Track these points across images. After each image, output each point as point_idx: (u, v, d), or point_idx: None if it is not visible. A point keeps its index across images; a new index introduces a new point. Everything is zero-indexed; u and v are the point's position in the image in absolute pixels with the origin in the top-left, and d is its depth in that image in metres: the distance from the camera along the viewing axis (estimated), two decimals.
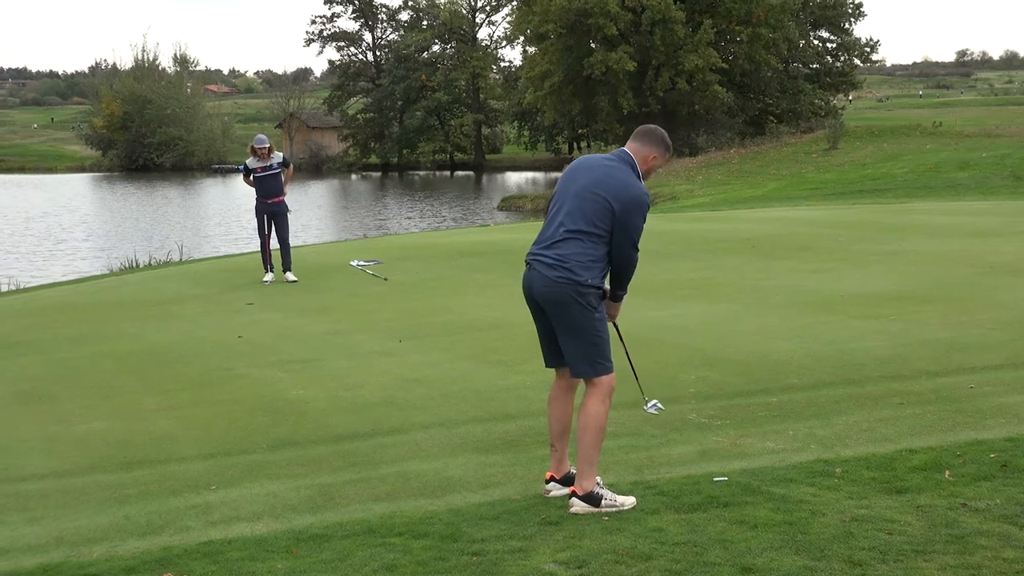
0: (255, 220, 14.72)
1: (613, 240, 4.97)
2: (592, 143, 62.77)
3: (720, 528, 4.63)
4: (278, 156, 14.38)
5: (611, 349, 5.09)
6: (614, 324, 5.33)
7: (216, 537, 4.91)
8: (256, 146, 14.19)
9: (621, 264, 5.04)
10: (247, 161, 14.40)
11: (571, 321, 4.98)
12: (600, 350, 5.03)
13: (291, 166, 14.76)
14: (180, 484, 5.81)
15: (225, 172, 76.26)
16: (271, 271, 14.33)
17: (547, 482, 5.28)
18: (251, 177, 14.34)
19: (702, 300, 11.13)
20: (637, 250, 5.06)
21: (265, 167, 14.22)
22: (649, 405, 5.63)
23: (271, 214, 14.34)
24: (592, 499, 4.96)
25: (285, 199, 14.48)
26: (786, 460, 5.61)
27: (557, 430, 5.25)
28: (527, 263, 5.15)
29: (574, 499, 4.99)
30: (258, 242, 14.78)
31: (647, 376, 7.22)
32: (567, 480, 5.19)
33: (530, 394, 7.24)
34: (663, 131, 5.28)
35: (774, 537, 4.49)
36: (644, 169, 5.13)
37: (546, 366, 5.34)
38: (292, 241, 15.07)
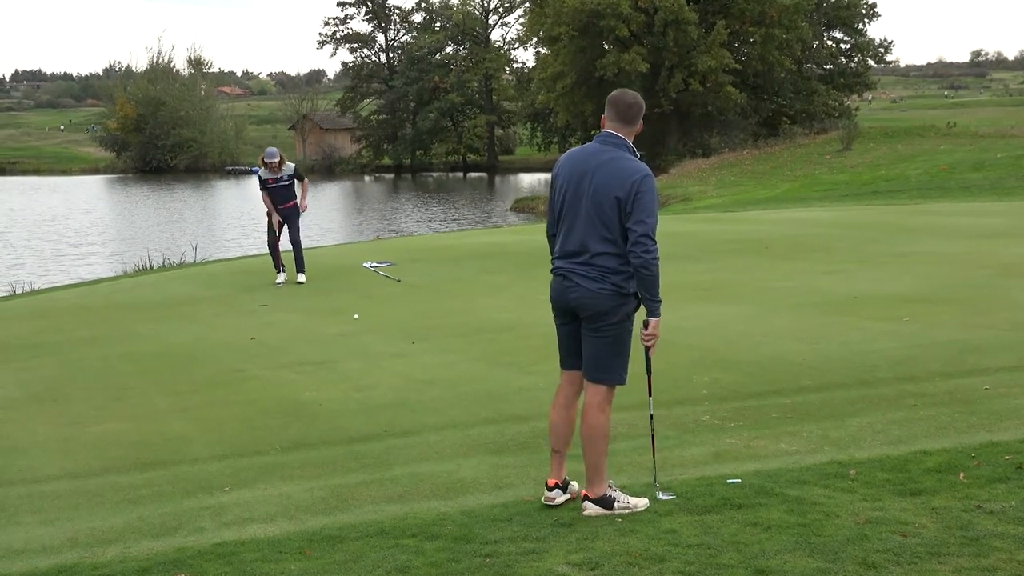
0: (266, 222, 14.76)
1: (628, 231, 4.79)
2: None
3: (734, 530, 4.62)
4: (289, 168, 14.34)
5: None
6: (646, 354, 5.10)
7: (229, 538, 4.93)
8: (267, 160, 14.18)
9: (636, 258, 4.76)
10: (260, 172, 14.44)
11: (608, 330, 4.93)
12: (625, 360, 5.03)
13: (305, 180, 14.78)
14: (194, 485, 5.83)
15: (238, 174, 76.48)
16: (283, 272, 14.36)
17: (550, 489, 5.15)
18: (265, 190, 14.37)
19: (715, 301, 11.10)
20: (654, 243, 4.78)
21: (276, 179, 14.26)
22: (661, 494, 5.17)
23: (283, 216, 14.37)
24: (605, 502, 4.95)
25: (297, 202, 14.52)
26: (800, 462, 5.60)
27: (563, 435, 5.20)
28: (559, 274, 5.02)
29: (587, 502, 4.98)
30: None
31: (660, 378, 7.22)
32: (567, 485, 5.17)
33: (542, 395, 7.23)
34: (633, 94, 5.14)
35: (788, 539, 4.47)
36: (633, 142, 5.08)
37: (562, 368, 5.23)
38: (305, 242, 15.10)
